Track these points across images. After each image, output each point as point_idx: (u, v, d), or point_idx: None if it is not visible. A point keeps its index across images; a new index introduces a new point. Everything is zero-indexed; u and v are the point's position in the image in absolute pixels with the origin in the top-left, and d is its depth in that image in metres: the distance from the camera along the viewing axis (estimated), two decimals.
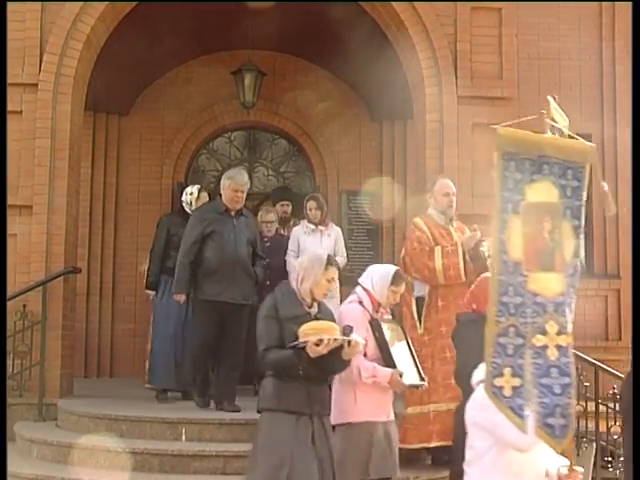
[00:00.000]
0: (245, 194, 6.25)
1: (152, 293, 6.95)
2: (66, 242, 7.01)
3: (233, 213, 6.16)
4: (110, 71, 8.43)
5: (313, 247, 7.08)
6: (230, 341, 6.06)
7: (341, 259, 7.16)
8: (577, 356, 6.10)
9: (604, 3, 9.16)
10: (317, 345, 3.83)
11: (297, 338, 3.89)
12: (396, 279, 4.47)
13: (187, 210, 6.87)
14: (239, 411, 5.88)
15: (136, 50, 8.58)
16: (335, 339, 3.88)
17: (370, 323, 4.36)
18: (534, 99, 8.90)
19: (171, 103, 10.08)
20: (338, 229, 7.54)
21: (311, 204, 7.36)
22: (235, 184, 6.15)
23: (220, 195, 6.26)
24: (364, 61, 9.02)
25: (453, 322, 5.05)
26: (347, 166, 10.20)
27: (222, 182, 6.25)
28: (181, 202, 7.03)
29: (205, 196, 7.04)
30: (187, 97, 10.11)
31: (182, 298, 6.19)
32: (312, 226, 7.31)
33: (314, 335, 3.84)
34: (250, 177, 10.51)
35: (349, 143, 10.26)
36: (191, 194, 6.95)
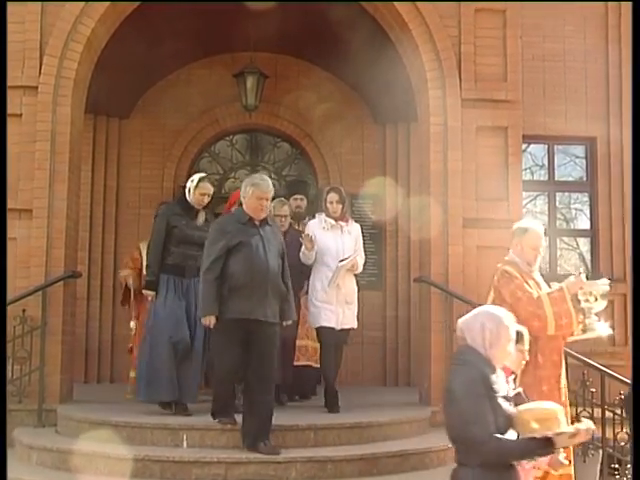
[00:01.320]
0: (270, 202, 5.78)
1: (151, 294, 6.34)
2: (66, 246, 6.99)
3: (257, 222, 5.61)
4: (111, 73, 8.43)
5: (333, 245, 6.72)
6: (261, 364, 5.41)
7: (361, 260, 6.82)
8: (583, 362, 6.12)
9: (610, 3, 9.16)
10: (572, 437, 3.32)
11: (508, 419, 3.40)
12: (520, 337, 3.88)
13: (188, 199, 6.40)
14: (278, 454, 5.38)
15: (137, 52, 8.59)
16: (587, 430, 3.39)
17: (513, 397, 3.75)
18: (539, 102, 8.96)
19: (172, 106, 10.08)
20: (358, 226, 6.99)
21: (332, 196, 6.82)
22: (260, 191, 5.59)
23: (240, 204, 5.74)
24: (366, 63, 9.02)
25: (551, 381, 4.84)
26: (350, 169, 10.20)
27: (244, 189, 5.67)
28: (184, 190, 6.51)
29: (207, 187, 6.42)
30: (188, 100, 10.11)
31: (212, 321, 5.45)
32: (332, 221, 6.77)
33: (549, 422, 3.36)
34: None
35: (352, 146, 10.25)
36: (192, 181, 6.42)
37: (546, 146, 9.45)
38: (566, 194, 9.75)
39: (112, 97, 9.53)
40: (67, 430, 6.18)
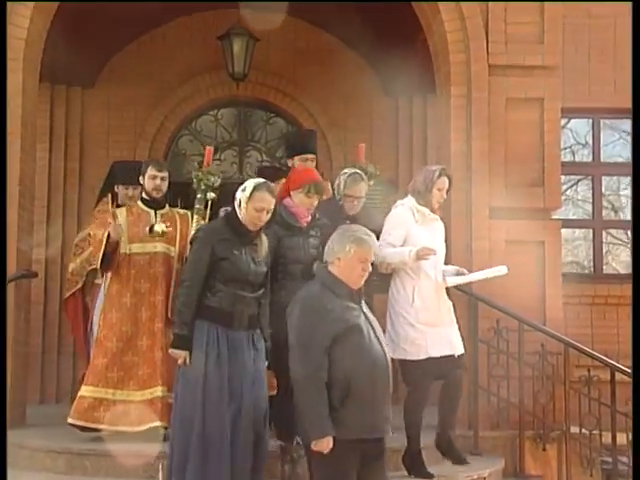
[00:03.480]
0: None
1: (183, 355, 5.10)
2: (18, 240, 6.96)
3: (356, 294, 4.71)
4: (71, 34, 8.40)
5: (429, 246, 5.81)
6: None
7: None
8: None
9: None
10: None
11: None
12: None
13: (239, 216, 5.20)
14: None
15: (103, 9, 8.56)
16: None
17: None
18: (583, 68, 8.91)
19: (145, 74, 10.09)
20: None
21: (444, 182, 6.04)
22: (365, 252, 4.62)
23: (326, 265, 4.70)
24: (377, 25, 9.00)
25: None
26: (356, 149, 10.16)
27: (339, 247, 4.63)
28: (233, 203, 5.30)
29: (267, 199, 5.15)
30: (164, 67, 10.12)
31: (330, 445, 4.39)
32: (428, 212, 5.99)
33: None
34: (241, 163, 10.63)
35: (359, 122, 10.27)
36: (242, 191, 5.20)
37: (590, 121, 9.44)
38: (614, 178, 9.74)
39: (73, 62, 9.48)
40: (18, 461, 6.11)
